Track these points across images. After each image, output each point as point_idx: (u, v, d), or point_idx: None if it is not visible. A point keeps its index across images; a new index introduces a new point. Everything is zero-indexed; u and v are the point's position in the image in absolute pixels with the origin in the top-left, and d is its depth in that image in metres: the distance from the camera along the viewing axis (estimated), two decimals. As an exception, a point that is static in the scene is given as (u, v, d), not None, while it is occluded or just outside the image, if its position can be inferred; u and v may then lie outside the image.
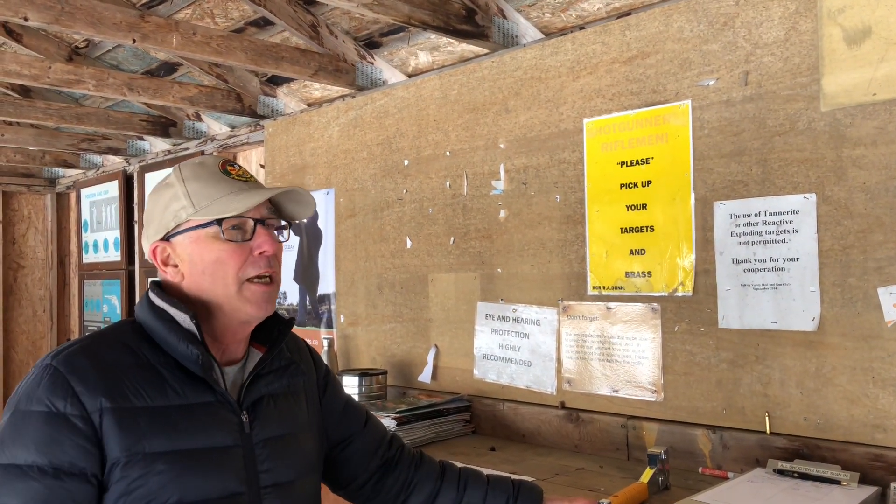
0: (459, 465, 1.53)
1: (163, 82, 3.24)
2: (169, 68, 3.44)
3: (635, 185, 2.14)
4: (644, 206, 2.12)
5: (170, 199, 1.20)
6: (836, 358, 1.76)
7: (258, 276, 1.19)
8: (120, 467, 1.07)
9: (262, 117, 3.50)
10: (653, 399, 2.08)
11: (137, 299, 4.47)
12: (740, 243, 1.92)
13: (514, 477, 1.53)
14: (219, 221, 1.17)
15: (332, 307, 3.09)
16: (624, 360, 2.15)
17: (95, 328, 4.48)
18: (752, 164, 1.90)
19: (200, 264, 1.18)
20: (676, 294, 2.04)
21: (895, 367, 1.67)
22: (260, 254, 1.19)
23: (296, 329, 1.40)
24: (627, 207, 2.15)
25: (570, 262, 2.28)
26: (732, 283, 1.93)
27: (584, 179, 2.25)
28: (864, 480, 1.66)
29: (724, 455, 1.92)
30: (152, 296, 1.21)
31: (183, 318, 1.17)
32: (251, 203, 1.17)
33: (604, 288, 2.20)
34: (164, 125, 3.95)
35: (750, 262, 1.90)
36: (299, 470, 1.25)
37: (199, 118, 3.93)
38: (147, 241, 1.24)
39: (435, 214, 2.69)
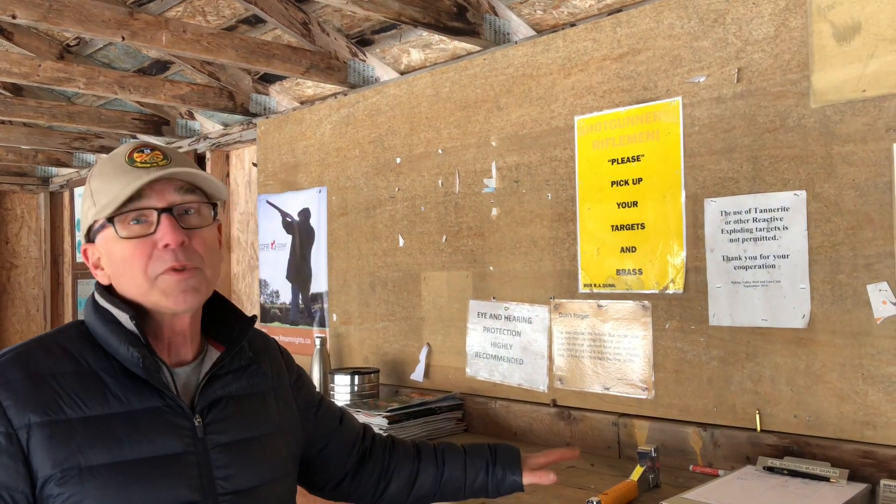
0: (432, 443, 1.53)
1: (154, 80, 3.22)
2: (161, 66, 3.42)
3: (626, 182, 2.13)
4: (635, 204, 2.12)
5: (85, 201, 1.15)
6: (826, 355, 1.76)
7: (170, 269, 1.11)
8: (54, 483, 1.01)
9: (255, 115, 3.49)
10: (644, 397, 2.08)
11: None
12: (731, 240, 1.92)
13: (490, 442, 1.53)
14: (110, 219, 1.09)
15: (325, 306, 3.08)
16: (615, 357, 2.15)
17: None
18: (742, 161, 1.90)
19: (113, 265, 1.12)
20: (667, 292, 2.04)
21: (884, 364, 1.67)
22: (164, 247, 1.09)
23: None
24: (618, 205, 2.15)
25: (562, 260, 2.28)
26: (723, 281, 1.93)
27: (576, 177, 2.25)
28: (853, 477, 1.66)
29: (715, 453, 1.92)
30: (97, 296, 1.15)
31: (125, 319, 1.11)
32: (128, 191, 1.06)
33: (595, 286, 2.19)
34: (156, 123, 3.94)
35: (740, 259, 1.90)
36: (265, 475, 1.18)
37: (191, 116, 3.92)
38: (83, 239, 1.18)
39: (427, 213, 2.68)
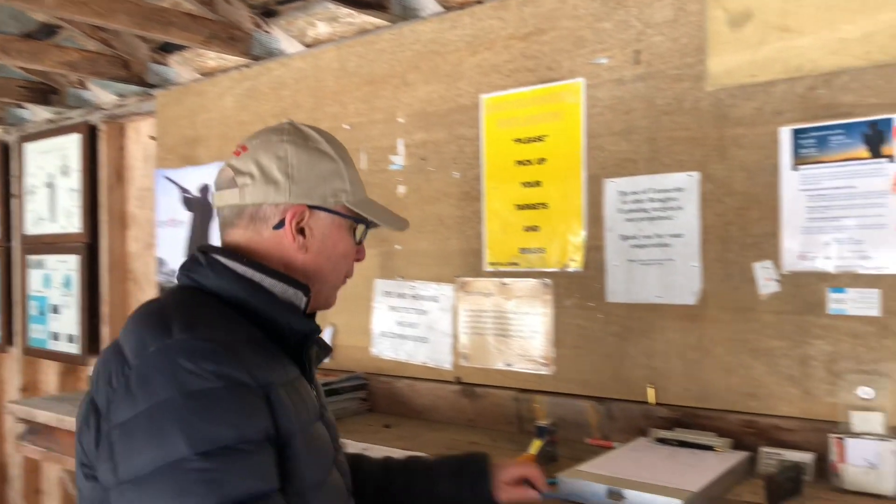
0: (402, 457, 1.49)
1: (41, 45, 3.02)
2: (49, 31, 3.21)
3: (530, 162, 2.15)
4: (538, 184, 2.14)
5: (330, 172, 1.16)
6: (714, 330, 1.83)
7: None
8: (285, 440, 1.01)
9: (153, 87, 3.33)
10: (545, 373, 2.11)
11: (13, 278, 4.21)
12: (628, 220, 1.96)
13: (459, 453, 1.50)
14: (368, 224, 1.21)
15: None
16: (518, 334, 2.18)
17: (-31, 309, 4.19)
18: (640, 143, 1.94)
19: (331, 250, 1.16)
20: (568, 270, 2.08)
21: (767, 338, 1.76)
22: (356, 260, 1.23)
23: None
24: (523, 184, 2.17)
25: (468, 239, 2.28)
26: (620, 259, 1.98)
27: (482, 156, 2.25)
28: (737, 446, 1.74)
29: (611, 426, 1.98)
30: (237, 265, 1.10)
31: (296, 296, 1.12)
32: (399, 225, 1.26)
33: (499, 264, 2.21)
34: (43, 92, 3.70)
35: (637, 238, 1.95)
36: None
37: (83, 85, 3.70)
38: (281, 197, 1.12)
39: (332, 189, 2.63)
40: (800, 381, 1.72)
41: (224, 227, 1.16)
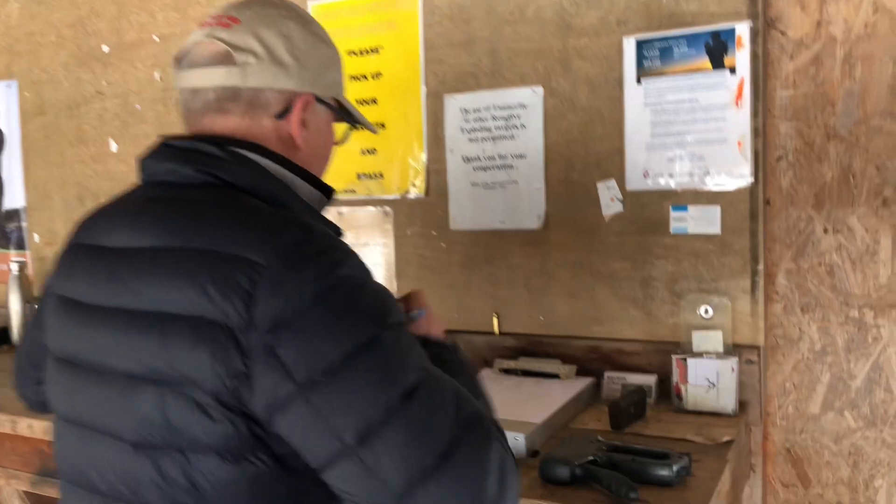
0: None
1: None
2: None
3: (365, 77, 1.95)
4: (374, 101, 1.94)
5: (330, 60, 1.02)
6: (559, 254, 1.75)
7: None
8: None
9: (-83, -11, 2.77)
10: (387, 308, 1.97)
11: None
12: (470, 140, 1.82)
13: None
14: (354, 125, 1.09)
15: (24, 224, 2.58)
16: (357, 268, 2.01)
17: None
18: (481, 55, 1.79)
19: (320, 148, 1.02)
20: (409, 196, 1.92)
21: (610, 261, 1.70)
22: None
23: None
24: (358, 102, 1.96)
25: (299, 165, 2.06)
26: (463, 183, 1.84)
27: (311, 71, 2.01)
28: (582, 372, 1.69)
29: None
30: (268, 162, 0.92)
31: (318, 200, 0.99)
32: (374, 129, 1.18)
33: (335, 191, 2.01)
34: None
35: (480, 159, 1.82)
36: None
37: None
38: (291, 82, 0.95)
39: (144, 111, 2.30)
40: (642, 303, 1.68)
41: (205, 112, 0.94)
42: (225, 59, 0.92)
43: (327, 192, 1.01)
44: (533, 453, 1.32)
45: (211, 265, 0.78)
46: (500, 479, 0.78)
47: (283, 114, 0.95)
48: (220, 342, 0.75)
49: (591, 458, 1.21)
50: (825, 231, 1.57)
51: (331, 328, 0.76)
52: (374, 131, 1.19)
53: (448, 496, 0.75)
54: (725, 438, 1.37)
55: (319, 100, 0.98)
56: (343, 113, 1.05)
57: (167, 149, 0.91)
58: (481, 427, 0.80)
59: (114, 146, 2.37)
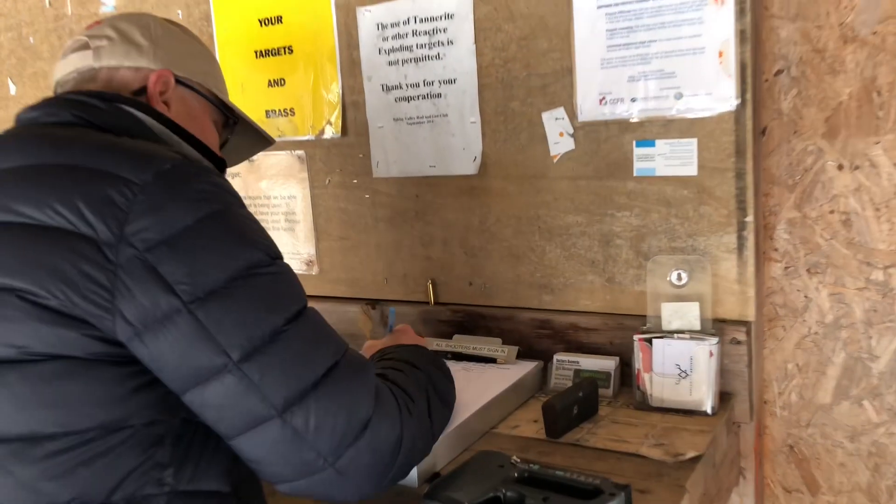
0: None
1: None
2: None
3: (268, -10, 1.58)
4: (279, 20, 1.57)
5: (201, 53, 1.07)
6: (500, 207, 1.39)
7: None
8: None
9: None
10: (312, 273, 1.65)
11: None
12: (390, 63, 1.45)
13: None
14: (236, 122, 1.12)
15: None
16: (276, 226, 1.68)
17: None
18: (398, -47, 1.40)
19: (197, 132, 0.99)
20: (324, 137, 1.56)
21: (562, 213, 1.33)
22: None
23: None
24: (261, 22, 1.60)
25: (206, 103, 1.71)
26: (385, 118, 1.48)
27: (209, -14, 1.65)
28: (528, 354, 1.35)
29: (387, 333, 1.55)
30: (153, 121, 0.92)
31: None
32: (269, 138, 1.22)
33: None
34: None
35: (402, 87, 1.45)
36: None
37: None
38: (143, 60, 0.97)
39: (38, 45, 1.97)
40: (602, 267, 1.32)
41: None
42: (82, 47, 0.97)
43: (221, 164, 1.00)
44: (431, 476, 1.00)
45: (84, 181, 0.77)
46: (377, 407, 0.81)
47: (141, 92, 0.96)
48: (84, 255, 0.73)
49: (490, 495, 0.88)
50: (840, 168, 1.18)
51: (219, 249, 0.77)
52: (271, 141, 1.21)
53: (325, 414, 0.77)
54: (691, 454, 1.02)
55: (182, 82, 0.99)
56: (225, 109, 1.07)
57: (46, 100, 0.91)
58: (362, 365, 0.84)
59: (13, 88, 2.05)
